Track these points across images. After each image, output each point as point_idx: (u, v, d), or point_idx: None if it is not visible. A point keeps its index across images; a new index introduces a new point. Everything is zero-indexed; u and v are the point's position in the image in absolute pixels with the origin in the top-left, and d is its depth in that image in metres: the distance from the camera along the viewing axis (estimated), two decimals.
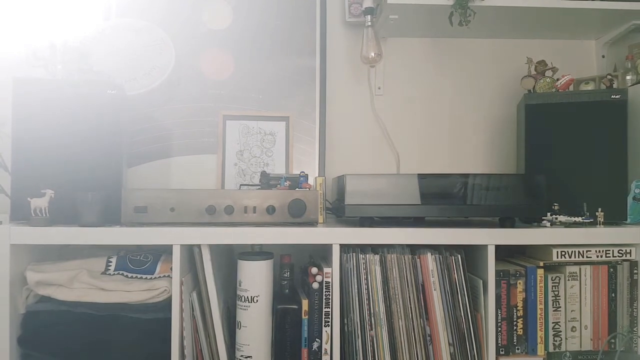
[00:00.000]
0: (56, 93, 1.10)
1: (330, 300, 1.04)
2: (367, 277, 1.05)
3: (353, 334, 1.05)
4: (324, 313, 1.04)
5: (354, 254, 1.06)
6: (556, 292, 1.09)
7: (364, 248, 1.09)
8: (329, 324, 1.04)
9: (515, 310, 1.08)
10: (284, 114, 1.40)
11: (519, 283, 1.08)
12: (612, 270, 1.09)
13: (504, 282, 1.08)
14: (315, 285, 1.04)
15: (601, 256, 1.09)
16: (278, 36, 1.44)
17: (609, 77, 1.24)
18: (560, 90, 1.25)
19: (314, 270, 1.04)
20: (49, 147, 1.09)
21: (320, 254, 1.23)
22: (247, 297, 1.04)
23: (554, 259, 1.08)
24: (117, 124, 1.13)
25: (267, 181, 1.19)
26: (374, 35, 1.35)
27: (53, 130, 1.09)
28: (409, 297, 1.06)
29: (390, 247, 1.08)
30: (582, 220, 1.11)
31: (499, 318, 1.07)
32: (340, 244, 1.04)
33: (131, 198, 1.04)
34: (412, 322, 1.05)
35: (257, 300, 1.04)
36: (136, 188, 1.22)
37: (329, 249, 1.06)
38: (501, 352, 1.07)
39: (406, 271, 1.06)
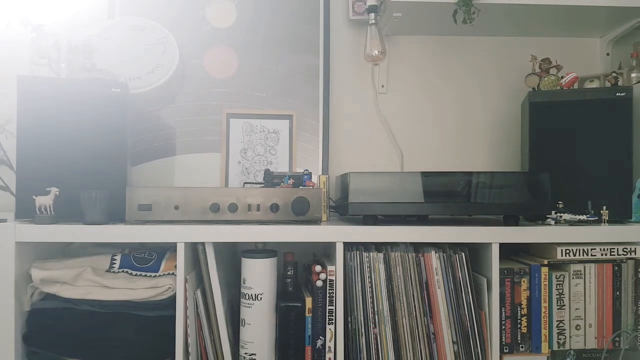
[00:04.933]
0: (60, 91, 1.10)
1: (334, 298, 1.04)
2: (370, 275, 1.05)
3: (357, 332, 1.05)
4: (327, 311, 1.04)
5: (358, 252, 1.06)
6: (560, 291, 1.08)
7: (367, 246, 1.09)
8: (333, 321, 1.04)
9: (519, 309, 1.07)
10: (287, 112, 1.40)
11: (523, 281, 1.08)
12: (616, 268, 1.09)
13: (508, 281, 1.07)
14: (319, 283, 1.04)
15: (606, 254, 1.08)
16: (281, 34, 1.44)
17: (613, 74, 1.23)
18: (564, 88, 1.24)
19: (318, 268, 1.05)
20: (53, 145, 1.09)
21: (323, 252, 1.23)
22: (251, 294, 1.04)
23: (559, 257, 1.08)
24: (121, 122, 1.13)
25: (271, 179, 1.19)
26: (378, 33, 1.34)
27: (57, 129, 1.10)
28: (413, 295, 1.06)
29: (394, 245, 1.08)
30: (586, 219, 1.10)
31: (503, 316, 1.07)
32: (344, 242, 1.04)
33: (135, 196, 1.04)
34: (416, 320, 1.05)
35: (261, 298, 1.04)
36: (140, 186, 1.22)
37: (333, 247, 1.06)
38: (505, 350, 1.07)
39: (410, 269, 1.06)
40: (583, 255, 1.08)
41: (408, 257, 1.06)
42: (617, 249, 1.08)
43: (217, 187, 1.07)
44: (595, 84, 1.29)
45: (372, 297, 1.05)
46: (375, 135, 1.50)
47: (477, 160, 1.51)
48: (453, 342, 1.05)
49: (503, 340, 1.07)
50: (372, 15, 1.34)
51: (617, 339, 1.09)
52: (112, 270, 1.07)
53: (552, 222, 1.11)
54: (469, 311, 1.05)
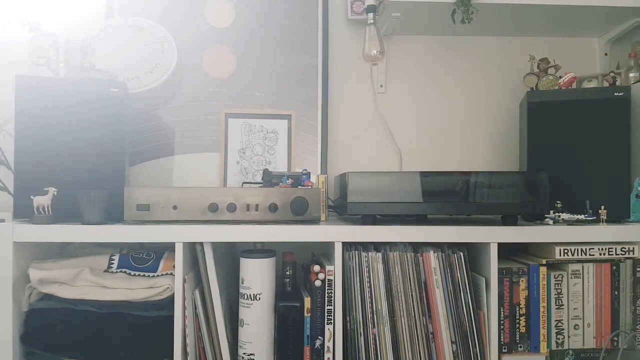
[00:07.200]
0: (59, 91, 1.10)
1: (332, 298, 1.04)
2: (369, 275, 1.05)
3: (355, 331, 1.05)
4: (326, 311, 1.04)
5: (357, 251, 1.06)
6: (559, 290, 1.08)
7: (366, 246, 1.09)
8: (332, 321, 1.04)
9: (517, 308, 1.07)
10: (286, 112, 1.40)
11: (522, 281, 1.08)
12: (614, 268, 1.09)
13: (507, 280, 1.07)
14: (318, 283, 1.04)
15: (604, 254, 1.09)
16: (280, 34, 1.44)
17: (611, 74, 1.24)
18: (562, 88, 1.24)
19: (317, 268, 1.04)
20: (51, 145, 1.09)
21: (322, 252, 1.23)
22: (250, 294, 1.04)
23: (557, 256, 1.08)
24: (119, 122, 1.13)
25: (270, 179, 1.19)
26: (376, 33, 1.34)
27: (55, 128, 1.10)
28: (412, 295, 1.06)
29: (392, 245, 1.08)
30: (585, 218, 1.11)
31: (502, 316, 1.07)
32: (342, 242, 1.04)
33: (134, 196, 1.04)
34: (415, 320, 1.05)
35: (259, 298, 1.04)
36: (139, 186, 1.22)
37: (331, 246, 1.06)
38: (504, 350, 1.07)
39: (408, 269, 1.06)
40: (581, 255, 1.08)
41: (407, 256, 1.06)
42: (616, 248, 1.09)
43: (216, 187, 1.07)
44: (593, 84, 1.29)
45: (370, 297, 1.05)
46: (374, 135, 1.50)
47: (475, 160, 1.51)
48: (452, 342, 1.05)
49: (501, 340, 1.07)
50: (371, 15, 1.34)
51: (616, 338, 1.09)
52: (110, 270, 1.07)
53: (551, 222, 1.11)
54: (467, 311, 1.05)
